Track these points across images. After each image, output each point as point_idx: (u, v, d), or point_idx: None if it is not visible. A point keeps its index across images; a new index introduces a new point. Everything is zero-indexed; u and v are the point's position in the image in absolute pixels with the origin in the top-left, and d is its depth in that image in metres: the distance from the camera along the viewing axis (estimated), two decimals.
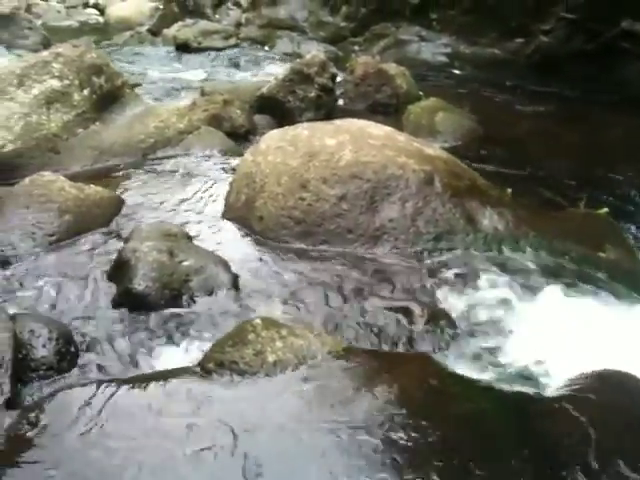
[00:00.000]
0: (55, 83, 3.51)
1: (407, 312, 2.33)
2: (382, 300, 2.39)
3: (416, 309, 2.34)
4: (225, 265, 2.49)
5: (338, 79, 5.12)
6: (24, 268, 2.50)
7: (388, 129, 3.12)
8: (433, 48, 6.30)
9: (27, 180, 2.80)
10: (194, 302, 2.33)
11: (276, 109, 4.67)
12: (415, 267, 2.60)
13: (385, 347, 2.18)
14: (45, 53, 3.68)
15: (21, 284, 2.42)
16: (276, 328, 1.92)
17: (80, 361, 2.05)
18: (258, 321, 1.94)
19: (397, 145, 2.95)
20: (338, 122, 3.12)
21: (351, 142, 2.89)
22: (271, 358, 1.83)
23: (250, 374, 1.81)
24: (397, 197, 2.77)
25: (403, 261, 2.63)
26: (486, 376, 2.09)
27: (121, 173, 3.43)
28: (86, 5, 12.55)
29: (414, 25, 6.41)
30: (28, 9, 10.76)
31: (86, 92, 3.59)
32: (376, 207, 2.75)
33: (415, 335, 2.24)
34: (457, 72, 6.23)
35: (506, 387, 1.99)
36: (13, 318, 2.04)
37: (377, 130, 3.04)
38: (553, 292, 2.49)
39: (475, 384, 1.99)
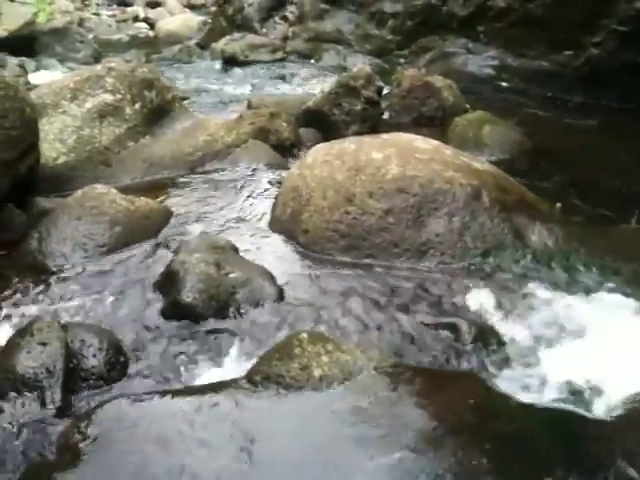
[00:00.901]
0: (108, 97, 3.60)
1: (454, 329, 2.30)
2: (428, 316, 2.37)
3: (463, 326, 2.31)
4: (271, 278, 2.51)
5: (384, 92, 5.12)
6: (75, 278, 2.56)
7: (435, 143, 3.10)
8: (480, 60, 6.25)
9: (80, 192, 2.87)
10: (240, 314, 2.35)
11: (321, 122, 4.69)
12: (462, 283, 2.57)
13: (431, 364, 2.16)
14: (98, 67, 3.78)
15: (72, 294, 2.47)
16: (322, 342, 1.92)
17: (129, 371, 2.08)
18: (304, 335, 1.94)
19: (444, 159, 2.93)
20: (385, 136, 3.12)
21: (398, 156, 2.88)
22: (317, 373, 1.83)
23: (296, 388, 1.81)
24: (444, 212, 2.75)
25: (450, 276, 2.61)
26: (535, 396, 2.05)
27: (170, 186, 3.49)
28: (136, 19, 12.86)
29: (461, 37, 6.37)
30: (80, 23, 11.07)
31: (137, 106, 3.67)
32: (422, 221, 2.74)
33: (462, 353, 2.21)
34: (504, 84, 6.16)
35: (556, 407, 1.95)
36: (65, 327, 2.09)
37: (424, 144, 3.03)
38: (604, 310, 2.43)
39: (523, 404, 1.95)
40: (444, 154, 2.99)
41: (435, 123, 4.97)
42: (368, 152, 2.91)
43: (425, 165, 2.85)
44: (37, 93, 3.53)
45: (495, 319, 2.40)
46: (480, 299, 2.49)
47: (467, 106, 5.17)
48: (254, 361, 2.05)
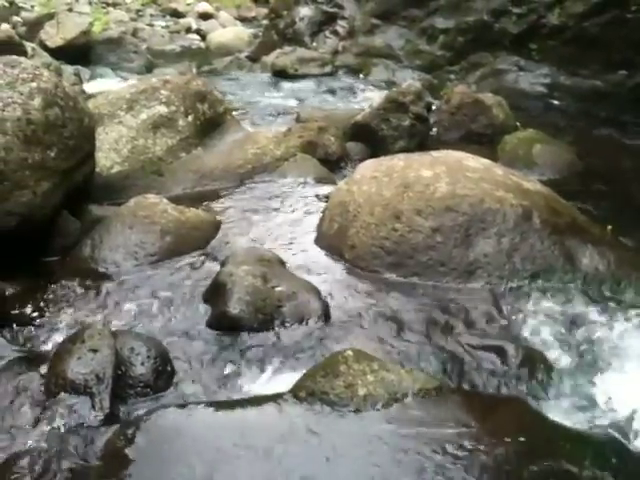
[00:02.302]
0: (162, 109, 3.67)
1: (500, 351, 2.26)
2: (474, 337, 2.34)
3: (510, 349, 2.27)
4: (316, 292, 2.51)
5: (433, 107, 5.10)
6: (126, 286, 2.61)
7: (486, 162, 3.07)
8: (532, 78, 6.17)
9: (132, 201, 2.93)
10: (285, 328, 2.35)
11: (369, 137, 4.70)
12: (510, 305, 2.53)
13: (477, 388, 2.13)
14: (154, 80, 3.87)
15: (122, 301, 2.52)
16: (367, 361, 1.91)
17: (175, 380, 2.10)
18: (350, 353, 1.94)
19: (495, 178, 2.90)
20: (434, 153, 3.10)
21: (447, 174, 2.86)
22: (362, 392, 1.82)
23: (340, 406, 1.81)
24: (493, 232, 2.72)
25: (497, 298, 2.57)
26: (583, 422, 2.00)
27: (219, 197, 3.54)
28: (188, 30, 13.11)
29: (512, 55, 6.31)
30: (134, 33, 11.34)
31: (190, 118, 3.74)
32: (471, 241, 2.71)
33: (508, 376, 2.18)
34: (556, 103, 6.07)
35: (605, 435, 1.90)
36: (114, 334, 2.12)
37: (474, 163, 3.00)
38: None
39: (570, 430, 1.91)
40: (495, 173, 2.96)
41: (484, 141, 4.92)
42: (417, 169, 2.91)
43: (475, 184, 2.83)
44: (94, 103, 3.63)
45: (543, 343, 2.36)
46: (528, 322, 2.46)
47: (517, 124, 5.10)
48: (298, 376, 2.05)
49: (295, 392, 1.88)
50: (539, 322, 2.45)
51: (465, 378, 2.15)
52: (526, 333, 2.40)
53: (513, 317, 2.47)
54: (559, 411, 2.06)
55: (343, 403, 1.80)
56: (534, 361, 2.24)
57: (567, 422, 1.96)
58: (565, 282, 2.65)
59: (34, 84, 2.71)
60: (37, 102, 2.67)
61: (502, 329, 2.41)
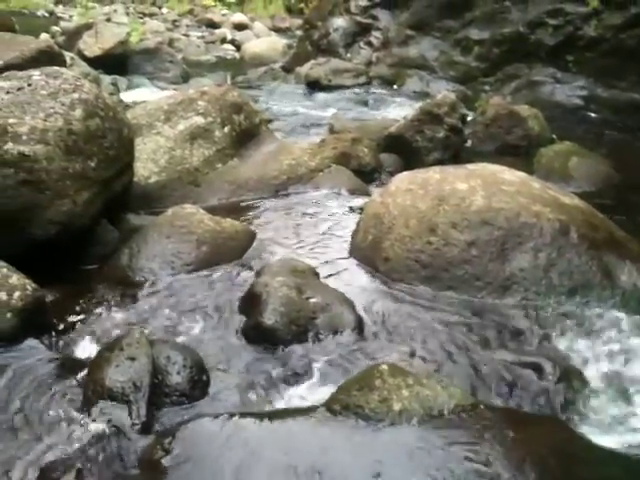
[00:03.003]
0: (199, 120, 3.72)
1: (537, 368, 2.24)
2: (510, 354, 2.32)
3: (546, 366, 2.25)
4: (350, 304, 2.51)
5: (467, 119, 5.09)
6: (162, 294, 2.64)
7: (522, 175, 3.05)
8: (568, 90, 6.11)
9: (170, 211, 2.97)
10: (319, 340, 2.36)
11: (403, 148, 4.70)
12: (546, 321, 2.50)
13: (513, 404, 2.11)
14: (191, 91, 3.92)
15: (159, 310, 2.55)
16: (402, 376, 1.90)
17: (210, 390, 2.12)
18: (385, 367, 1.93)
19: (531, 192, 2.88)
20: (470, 166, 3.09)
21: (483, 187, 2.85)
22: (397, 406, 1.81)
23: (375, 420, 1.80)
24: (530, 246, 2.69)
25: (533, 313, 2.54)
26: (620, 442, 1.97)
27: (254, 208, 3.57)
28: (223, 41, 13.30)
29: (549, 66, 6.26)
30: (170, 43, 11.53)
31: (227, 129, 3.78)
32: (507, 255, 2.69)
33: (545, 394, 2.15)
34: (593, 115, 6.00)
35: None
36: (151, 343, 2.15)
37: (511, 176, 2.98)
38: None
39: (608, 450, 1.88)
40: (531, 187, 2.93)
41: (519, 153, 4.89)
42: (453, 182, 2.89)
43: (511, 198, 2.80)
44: (133, 114, 3.69)
45: (580, 360, 2.32)
46: (565, 339, 2.43)
47: (553, 136, 5.07)
48: (332, 389, 2.05)
49: (329, 405, 1.87)
50: (576, 339, 2.42)
51: (501, 395, 2.13)
52: (563, 350, 2.37)
53: (549, 333, 2.44)
54: (596, 430, 2.03)
55: (378, 417, 1.79)
56: (571, 379, 2.21)
57: (603, 441, 1.93)
58: (603, 298, 2.61)
59: (75, 95, 2.77)
60: (78, 113, 2.73)
61: (538, 346, 2.38)
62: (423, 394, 1.85)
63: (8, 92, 2.73)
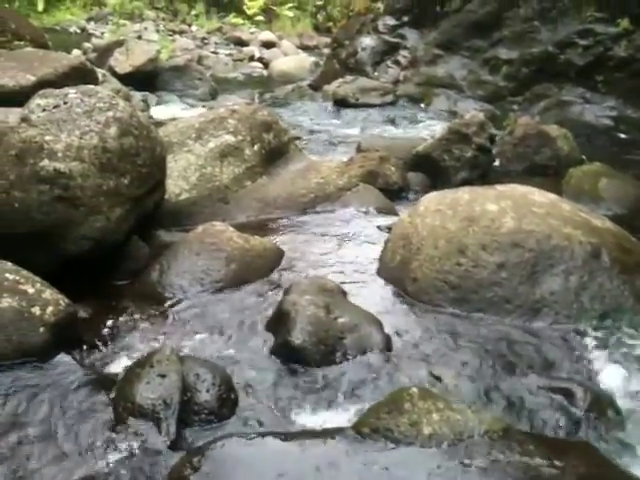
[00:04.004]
0: (230, 138, 3.76)
1: (568, 394, 2.20)
2: (540, 378, 2.29)
3: (578, 391, 2.21)
4: (378, 325, 2.51)
5: (495, 138, 5.06)
6: (191, 311, 2.66)
7: (553, 197, 3.03)
8: (597, 111, 6.08)
9: (200, 228, 3.00)
10: (347, 360, 2.35)
11: (431, 167, 4.70)
12: (577, 345, 2.47)
13: (543, 430, 2.08)
14: (222, 110, 3.97)
15: (188, 327, 2.57)
16: (432, 399, 1.89)
17: (239, 409, 2.12)
18: (415, 390, 1.92)
19: (562, 214, 2.85)
20: (500, 187, 3.07)
21: (513, 209, 2.83)
22: (427, 430, 1.80)
23: (404, 444, 1.79)
24: (560, 269, 2.67)
25: (564, 338, 2.52)
26: None
27: (282, 226, 3.59)
28: (251, 59, 13.44)
29: (578, 87, 6.23)
30: (199, 61, 11.69)
31: (256, 147, 3.82)
32: (537, 278, 2.66)
33: (576, 420, 2.12)
34: (622, 136, 5.95)
35: None
36: (181, 360, 2.16)
37: (541, 197, 2.96)
38: None
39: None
40: (562, 209, 2.91)
41: (548, 173, 4.86)
42: (483, 203, 2.88)
43: (542, 220, 2.79)
44: (165, 131, 3.74)
45: (612, 386, 2.29)
46: (596, 364, 2.39)
47: (583, 157, 5.02)
48: (360, 411, 2.05)
49: (358, 428, 1.87)
50: (608, 364, 2.39)
51: (531, 420, 2.10)
52: (594, 375, 2.34)
53: (581, 358, 2.41)
54: (628, 457, 1.99)
55: (408, 441, 1.78)
56: (603, 405, 2.17)
57: (634, 469, 1.90)
58: (635, 323, 2.57)
59: (110, 113, 2.82)
60: (113, 131, 2.78)
61: (569, 370, 2.35)
62: (453, 418, 1.84)
63: (44, 109, 2.79)
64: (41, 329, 2.30)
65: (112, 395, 2.09)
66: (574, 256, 2.69)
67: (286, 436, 1.89)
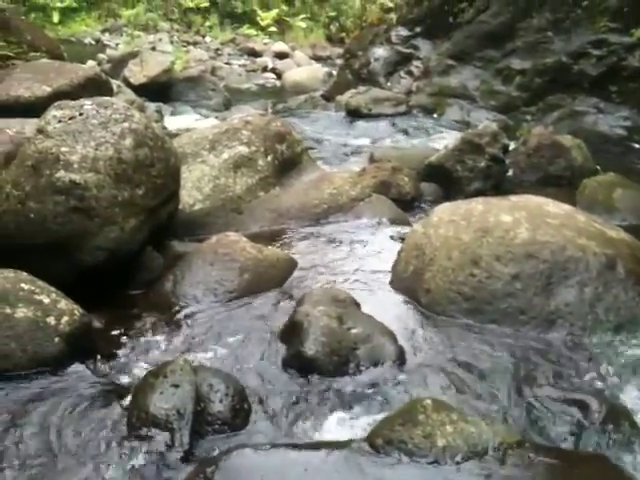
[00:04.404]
0: (243, 149, 3.79)
1: (582, 406, 2.19)
2: (555, 390, 2.27)
3: (593, 403, 2.19)
4: (391, 336, 2.50)
5: (509, 149, 5.05)
6: (205, 321, 2.67)
7: (567, 207, 3.01)
8: (611, 121, 6.05)
9: (213, 239, 3.01)
10: (360, 372, 2.35)
11: (443, 178, 4.69)
12: (592, 357, 2.46)
13: (558, 442, 2.06)
14: (236, 121, 3.99)
15: (201, 337, 2.57)
16: (446, 411, 1.88)
17: (252, 419, 2.12)
18: (428, 402, 1.91)
19: (577, 225, 2.84)
20: (514, 198, 3.06)
21: (527, 220, 2.82)
22: (441, 442, 1.79)
23: (418, 456, 1.78)
24: (575, 280, 2.65)
25: (579, 349, 2.50)
26: None
27: (295, 236, 3.60)
28: (264, 69, 13.52)
29: (592, 97, 6.21)
30: (213, 71, 11.78)
31: (269, 158, 3.84)
32: (552, 289, 2.65)
33: (592, 432, 2.10)
34: (637, 146, 5.91)
35: None
36: (194, 370, 2.16)
37: (555, 208, 2.95)
38: None
39: None
40: (577, 220, 2.90)
41: (562, 183, 4.83)
42: (497, 214, 2.88)
43: (556, 231, 2.78)
44: (179, 142, 3.77)
45: (627, 397, 2.27)
46: (611, 376, 2.37)
47: (597, 167, 5.00)
48: (373, 422, 2.04)
49: (371, 439, 1.86)
50: (623, 376, 2.37)
51: (546, 432, 2.09)
52: (610, 387, 2.32)
53: (596, 370, 2.39)
54: None
55: (421, 453, 1.78)
56: (618, 417, 2.15)
57: None
58: None
59: (126, 124, 2.84)
60: (128, 142, 2.80)
61: (585, 382, 2.33)
62: (467, 430, 1.83)
63: (60, 121, 2.82)
64: (56, 339, 2.32)
65: (126, 405, 2.10)
66: (589, 267, 2.68)
67: (299, 447, 1.89)
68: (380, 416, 2.07)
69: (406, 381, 2.31)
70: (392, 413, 1.98)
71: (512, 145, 5.18)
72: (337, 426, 2.11)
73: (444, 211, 3.06)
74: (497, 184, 4.72)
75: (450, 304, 2.73)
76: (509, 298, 2.65)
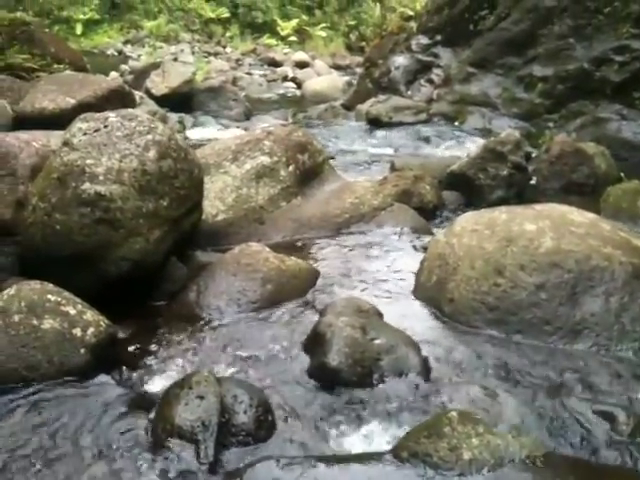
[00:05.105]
0: (265, 159, 3.80)
1: (610, 417, 2.16)
2: (581, 402, 2.24)
3: (620, 415, 2.16)
4: (415, 346, 2.49)
5: (531, 156, 5.02)
6: (228, 332, 2.67)
7: (592, 216, 2.98)
8: (635, 127, 5.97)
9: (236, 249, 3.02)
10: (384, 382, 2.33)
11: (465, 186, 4.67)
12: (619, 368, 2.42)
13: (585, 455, 2.03)
14: (258, 131, 4.01)
15: (225, 347, 2.58)
16: (472, 424, 1.87)
17: (276, 431, 2.12)
18: (454, 414, 1.90)
19: (602, 234, 2.81)
20: (538, 207, 3.04)
21: (552, 229, 2.80)
22: (467, 455, 1.78)
23: (444, 469, 1.77)
24: (601, 290, 2.63)
25: (605, 360, 2.47)
26: None
27: (317, 246, 3.60)
28: (285, 79, 13.61)
29: (614, 103, 6.14)
30: (234, 81, 11.87)
31: (291, 168, 3.85)
32: (577, 299, 2.62)
33: (619, 445, 2.07)
34: None
35: None
36: (219, 381, 2.17)
37: (580, 217, 2.92)
38: None
39: None
40: (602, 229, 2.87)
41: (586, 191, 4.79)
42: (520, 223, 2.86)
43: (581, 239, 2.75)
44: (202, 153, 3.79)
45: None
46: (639, 386, 2.34)
47: (621, 175, 4.95)
48: (398, 434, 2.03)
49: (397, 452, 1.85)
50: None
51: (573, 444, 2.06)
52: (637, 399, 2.28)
53: (623, 381, 2.36)
54: None
55: (447, 467, 1.76)
56: None
57: None
58: None
59: (150, 136, 2.87)
60: (152, 154, 2.82)
61: (612, 394, 2.30)
62: (494, 443, 1.82)
63: (85, 133, 2.85)
64: (82, 350, 2.34)
65: (151, 416, 2.11)
66: (614, 277, 2.65)
67: (323, 459, 1.89)
68: (405, 428, 2.06)
69: (431, 392, 2.29)
70: (417, 425, 1.97)
71: (535, 153, 5.15)
72: (362, 438, 2.10)
73: (467, 220, 3.05)
74: (520, 192, 4.69)
75: (474, 314, 2.72)
76: (534, 308, 2.63)
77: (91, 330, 2.38)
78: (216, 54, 16.99)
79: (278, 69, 14.50)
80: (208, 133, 7.11)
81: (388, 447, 1.95)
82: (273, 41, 19.02)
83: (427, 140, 6.55)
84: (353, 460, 1.86)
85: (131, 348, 2.54)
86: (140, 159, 2.79)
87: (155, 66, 9.49)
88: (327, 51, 17.67)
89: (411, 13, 9.62)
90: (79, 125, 2.90)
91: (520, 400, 2.22)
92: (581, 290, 2.63)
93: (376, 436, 2.10)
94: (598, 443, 2.08)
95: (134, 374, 2.40)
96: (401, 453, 1.83)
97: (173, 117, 7.58)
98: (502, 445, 1.81)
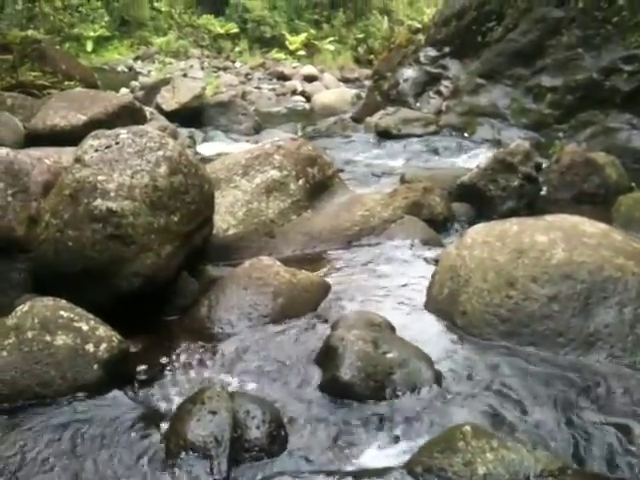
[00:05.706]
0: (275, 173, 3.82)
1: (626, 430, 2.14)
2: (597, 414, 2.22)
3: (636, 428, 2.14)
4: (427, 360, 2.48)
5: (542, 167, 5.01)
6: (240, 346, 2.67)
7: (604, 227, 2.97)
8: None
9: (247, 263, 3.03)
10: (397, 397, 2.32)
11: (476, 197, 4.66)
12: (634, 380, 2.40)
13: (601, 469, 2.01)
14: (267, 146, 4.03)
15: (237, 362, 2.58)
16: (486, 438, 1.85)
17: (288, 446, 2.11)
18: (468, 428, 1.89)
19: (614, 245, 2.79)
20: (549, 218, 3.03)
21: (564, 240, 2.79)
22: (481, 470, 1.76)
23: None
24: (614, 301, 2.61)
25: (620, 372, 2.45)
26: None
27: (328, 259, 3.60)
28: (294, 93, 13.67)
29: (624, 113, 6.12)
30: (243, 96, 11.93)
31: (301, 182, 3.87)
32: (590, 310, 2.61)
33: (635, 457, 2.05)
34: None
35: None
36: (231, 396, 2.17)
37: (592, 228, 2.91)
38: None
39: None
40: (614, 239, 2.85)
41: (597, 201, 4.78)
42: (532, 235, 2.84)
43: (593, 250, 2.73)
44: (212, 168, 3.82)
45: None
46: None
47: (632, 184, 4.93)
48: (411, 448, 2.02)
49: (410, 467, 1.84)
50: None
51: (588, 458, 2.04)
52: None
53: (638, 393, 2.34)
54: None
55: None
56: None
57: None
58: None
59: (160, 152, 2.89)
60: (163, 170, 2.84)
61: (626, 406, 2.28)
62: (508, 458, 1.80)
63: (97, 150, 2.88)
64: (95, 366, 2.35)
65: (164, 431, 2.11)
66: (628, 287, 2.63)
67: (336, 475, 1.88)
68: (418, 442, 2.05)
69: (444, 406, 2.28)
70: (431, 440, 1.95)
71: (545, 163, 5.14)
72: (375, 453, 2.09)
73: (478, 232, 3.04)
74: (530, 203, 4.67)
75: (486, 326, 2.70)
76: (546, 320, 2.61)
77: (104, 346, 2.39)
78: (225, 69, 17.10)
79: (287, 83, 14.57)
80: (218, 148, 7.14)
81: (402, 462, 1.94)
82: (282, 55, 19.13)
83: (436, 152, 6.55)
84: (366, 475, 1.85)
85: (143, 363, 2.55)
86: (151, 175, 2.81)
87: (165, 82, 9.55)
88: (335, 64, 17.75)
89: (419, 26, 9.67)
90: (91, 142, 2.93)
91: (534, 413, 2.21)
92: (594, 301, 2.61)
93: (390, 451, 2.09)
94: (614, 456, 2.05)
95: (146, 389, 2.41)
96: (415, 468, 1.82)
97: (183, 132, 7.61)
98: (517, 459, 1.80)
